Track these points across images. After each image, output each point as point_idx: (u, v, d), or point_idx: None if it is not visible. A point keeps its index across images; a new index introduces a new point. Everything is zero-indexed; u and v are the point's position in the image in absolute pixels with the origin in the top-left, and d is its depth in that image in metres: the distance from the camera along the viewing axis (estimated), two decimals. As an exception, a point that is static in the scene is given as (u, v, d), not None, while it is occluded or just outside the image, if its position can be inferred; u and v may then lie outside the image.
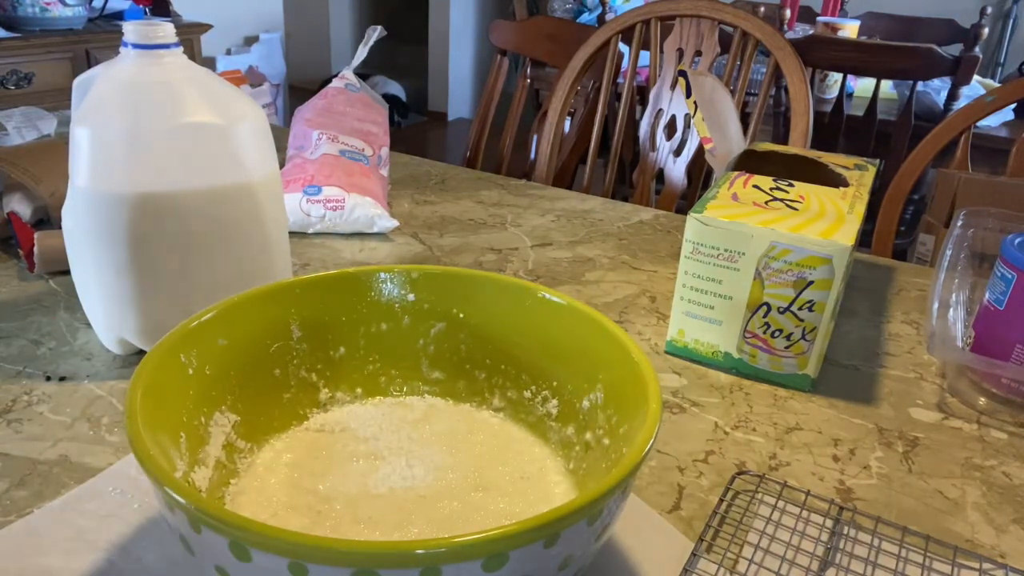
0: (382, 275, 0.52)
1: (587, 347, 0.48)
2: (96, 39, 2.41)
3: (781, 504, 0.49)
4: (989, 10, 2.40)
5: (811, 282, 0.59)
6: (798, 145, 1.16)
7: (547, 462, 0.49)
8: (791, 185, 0.68)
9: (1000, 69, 3.41)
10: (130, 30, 0.54)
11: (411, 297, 0.53)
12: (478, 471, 0.47)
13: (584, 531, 0.34)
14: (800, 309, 0.60)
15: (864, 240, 0.97)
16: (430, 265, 0.59)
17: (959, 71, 1.69)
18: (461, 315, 0.53)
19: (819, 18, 2.25)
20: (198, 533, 0.32)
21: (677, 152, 1.36)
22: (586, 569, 0.40)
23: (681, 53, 1.34)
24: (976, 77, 1.76)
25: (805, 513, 0.48)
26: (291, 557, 0.30)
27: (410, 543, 0.30)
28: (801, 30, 2.40)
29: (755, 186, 0.67)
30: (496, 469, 0.48)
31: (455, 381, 0.54)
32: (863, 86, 2.10)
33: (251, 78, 3.42)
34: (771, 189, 0.67)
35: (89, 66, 1.97)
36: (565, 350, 0.49)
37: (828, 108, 1.87)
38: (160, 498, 0.33)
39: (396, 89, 4.34)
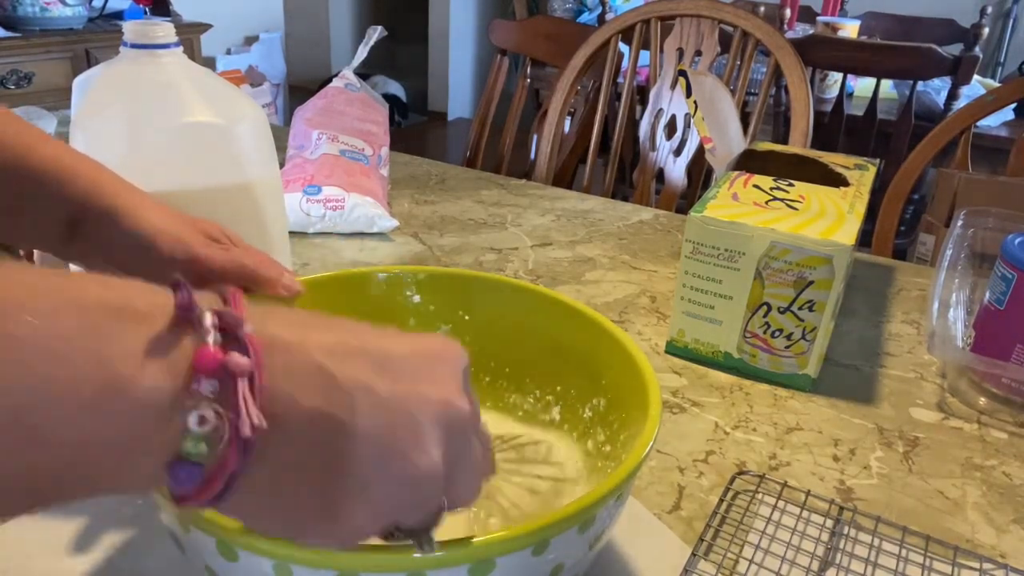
0: (388, 276, 0.52)
1: (592, 352, 0.47)
2: (96, 39, 2.41)
3: (781, 504, 0.49)
4: (989, 10, 2.40)
5: (811, 282, 0.59)
6: (798, 145, 1.16)
7: (550, 468, 0.48)
8: (791, 185, 0.68)
9: (1000, 69, 3.41)
10: (130, 30, 0.54)
11: (416, 299, 0.52)
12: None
13: (575, 539, 0.34)
14: (800, 309, 0.60)
15: (864, 240, 0.97)
16: (436, 267, 0.59)
17: (959, 71, 1.69)
18: (467, 317, 0.52)
19: (819, 18, 2.25)
20: (187, 532, 0.32)
21: (677, 152, 1.36)
22: None
23: (681, 53, 1.34)
24: (976, 77, 1.76)
25: (805, 513, 0.48)
26: (276, 558, 0.30)
27: (394, 547, 0.30)
28: (801, 30, 2.40)
29: (755, 186, 0.67)
30: (496, 474, 0.48)
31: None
32: (863, 86, 2.10)
33: (251, 78, 3.42)
34: (771, 189, 0.67)
35: (89, 66, 1.97)
36: (569, 354, 0.49)
37: (828, 108, 1.87)
38: (153, 497, 0.33)
39: (396, 89, 4.34)
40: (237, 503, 0.25)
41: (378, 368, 0.27)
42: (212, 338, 0.23)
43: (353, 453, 0.25)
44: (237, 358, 0.23)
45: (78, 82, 0.58)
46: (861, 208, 0.65)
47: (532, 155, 1.47)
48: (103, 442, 0.22)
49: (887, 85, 1.94)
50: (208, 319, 0.24)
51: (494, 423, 0.52)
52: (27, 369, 0.21)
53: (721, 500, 0.49)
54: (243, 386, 0.23)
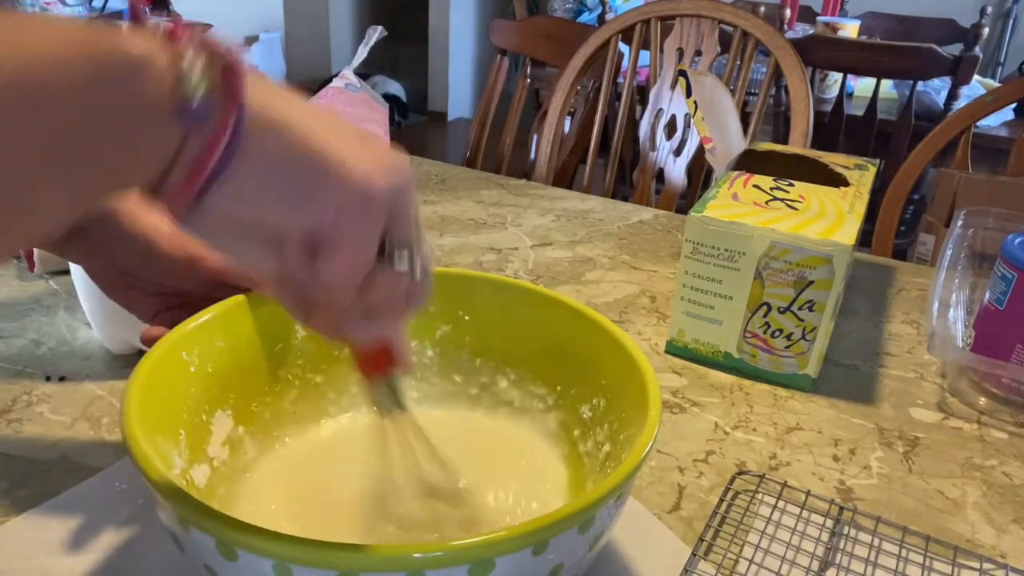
0: None
1: (592, 352, 0.47)
2: (96, 39, 2.41)
3: (781, 504, 0.49)
4: (989, 10, 2.40)
5: (811, 282, 0.59)
6: (798, 145, 1.16)
7: (550, 468, 0.48)
8: (791, 185, 0.68)
9: (1000, 69, 3.41)
10: (130, 30, 0.54)
11: None
12: (479, 476, 0.47)
13: (575, 539, 0.34)
14: (800, 309, 0.60)
15: (864, 240, 0.97)
16: (436, 267, 0.58)
17: (959, 71, 1.69)
18: (466, 317, 0.52)
19: (819, 18, 2.25)
20: (186, 532, 0.32)
21: (677, 152, 1.36)
22: None
23: (681, 53, 1.34)
24: (976, 77, 1.76)
25: (805, 513, 0.48)
26: (276, 558, 0.30)
27: (394, 547, 0.30)
28: (801, 30, 2.40)
29: (755, 186, 0.67)
30: (497, 475, 0.48)
31: (459, 385, 0.53)
32: (863, 86, 2.10)
33: (251, 78, 3.42)
34: (771, 189, 0.67)
35: (89, 66, 1.96)
36: (569, 354, 0.49)
37: (828, 108, 1.87)
38: (152, 495, 0.33)
39: (396, 89, 4.34)
40: (239, 179, 0.27)
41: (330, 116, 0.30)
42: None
43: (330, 131, 0.29)
44: (211, 35, 0.26)
45: (78, 82, 0.58)
46: (861, 208, 0.65)
47: (532, 155, 1.47)
48: (106, 106, 0.23)
49: (887, 85, 1.94)
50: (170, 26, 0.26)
51: (494, 422, 0.52)
52: (23, 44, 0.22)
53: (721, 500, 0.49)
54: (217, 41, 0.26)
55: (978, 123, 1.15)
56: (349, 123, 0.31)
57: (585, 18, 3.56)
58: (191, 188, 0.26)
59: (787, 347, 0.62)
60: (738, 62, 1.27)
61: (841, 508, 0.49)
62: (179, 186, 0.26)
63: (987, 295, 0.63)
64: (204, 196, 0.27)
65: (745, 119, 1.06)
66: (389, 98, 4.24)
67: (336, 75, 1.03)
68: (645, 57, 1.41)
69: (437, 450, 0.44)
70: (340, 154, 0.29)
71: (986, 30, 1.82)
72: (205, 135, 0.25)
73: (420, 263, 0.35)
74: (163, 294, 0.48)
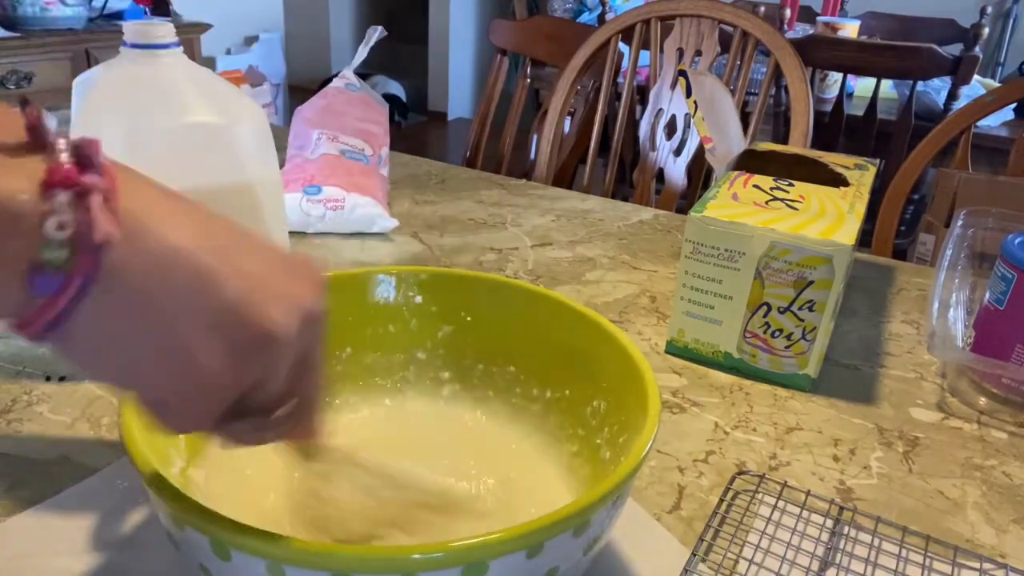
0: (390, 276, 0.52)
1: (591, 352, 0.47)
2: (96, 39, 2.41)
3: (781, 504, 0.49)
4: (989, 10, 2.40)
5: (811, 282, 0.59)
6: (798, 145, 1.16)
7: (549, 471, 0.48)
8: (791, 185, 0.68)
9: (1000, 69, 3.41)
10: (130, 30, 0.54)
11: (419, 299, 0.52)
12: (478, 478, 0.47)
13: (569, 542, 0.33)
14: (800, 309, 0.60)
15: (864, 240, 0.97)
16: (438, 267, 0.59)
17: (959, 71, 1.69)
18: (469, 318, 0.52)
19: (819, 18, 2.25)
20: (181, 531, 0.32)
21: (677, 152, 1.36)
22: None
23: (681, 53, 1.34)
24: (976, 77, 1.76)
25: (805, 513, 0.48)
26: (269, 559, 0.30)
27: (387, 548, 0.30)
28: (801, 30, 2.40)
29: (755, 186, 0.67)
30: (496, 477, 0.48)
31: (460, 386, 0.53)
32: (863, 86, 2.10)
33: (251, 78, 3.42)
34: (771, 189, 0.67)
35: (89, 66, 1.97)
36: (569, 354, 0.49)
37: (828, 108, 1.87)
38: (148, 495, 0.33)
39: (396, 89, 4.34)
40: (82, 330, 0.25)
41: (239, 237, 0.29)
42: (65, 157, 0.24)
43: (202, 294, 0.26)
44: (92, 176, 0.24)
45: (78, 82, 0.58)
46: (861, 208, 0.65)
47: (532, 155, 1.47)
48: None
49: (887, 85, 1.94)
50: (61, 142, 0.24)
51: (494, 424, 0.52)
52: None
53: (721, 500, 0.49)
54: (97, 199, 0.24)
55: (978, 123, 1.15)
56: (247, 248, 0.29)
57: (585, 18, 3.56)
58: (30, 329, 0.25)
59: (787, 347, 0.62)
60: (738, 62, 1.27)
61: (841, 508, 0.49)
62: (17, 325, 0.25)
63: (987, 295, 0.63)
64: (44, 339, 0.25)
65: (745, 119, 1.06)
66: (389, 98, 4.24)
67: (336, 75, 1.04)
68: (645, 57, 1.41)
69: (436, 451, 0.43)
70: (193, 335, 0.26)
71: (986, 30, 1.82)
72: (48, 297, 0.24)
73: (277, 427, 0.32)
74: None
